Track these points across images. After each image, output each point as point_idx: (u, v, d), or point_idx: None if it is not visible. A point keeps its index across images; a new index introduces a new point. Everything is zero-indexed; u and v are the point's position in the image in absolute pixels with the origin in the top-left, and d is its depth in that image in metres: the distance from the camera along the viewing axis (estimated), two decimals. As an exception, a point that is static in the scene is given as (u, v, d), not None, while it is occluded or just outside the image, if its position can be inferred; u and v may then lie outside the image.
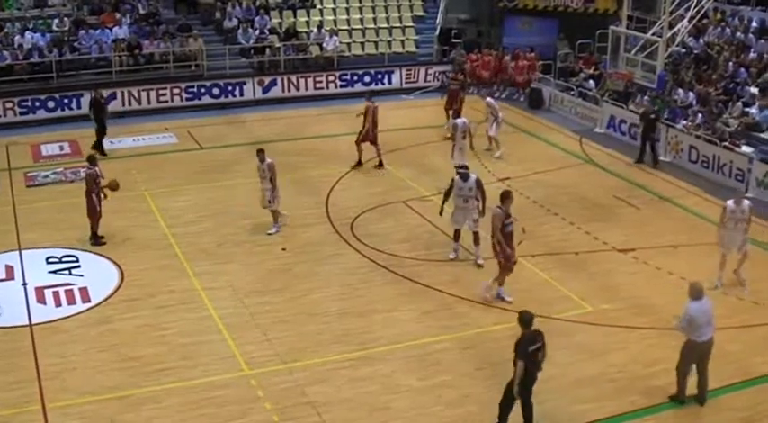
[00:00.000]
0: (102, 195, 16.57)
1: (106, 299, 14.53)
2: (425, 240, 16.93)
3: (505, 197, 14.04)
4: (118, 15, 28.60)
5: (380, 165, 21.12)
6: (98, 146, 21.99)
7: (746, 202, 15.34)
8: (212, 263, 15.92)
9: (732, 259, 15.23)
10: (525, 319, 10.50)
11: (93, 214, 16.58)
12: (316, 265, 15.86)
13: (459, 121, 20.70)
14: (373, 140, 21.00)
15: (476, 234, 15.77)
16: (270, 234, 16.99)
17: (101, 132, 22.24)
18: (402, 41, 30.92)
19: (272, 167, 16.76)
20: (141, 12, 29.16)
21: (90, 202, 16.49)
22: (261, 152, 16.92)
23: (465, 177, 15.67)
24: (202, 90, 27.26)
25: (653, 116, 21.78)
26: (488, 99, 23.24)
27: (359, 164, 21.11)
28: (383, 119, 21.40)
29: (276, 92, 28.05)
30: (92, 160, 17.01)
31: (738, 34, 25.52)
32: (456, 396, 11.76)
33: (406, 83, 29.37)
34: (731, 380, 12.04)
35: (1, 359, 12.66)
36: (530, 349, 10.29)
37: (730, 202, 15.14)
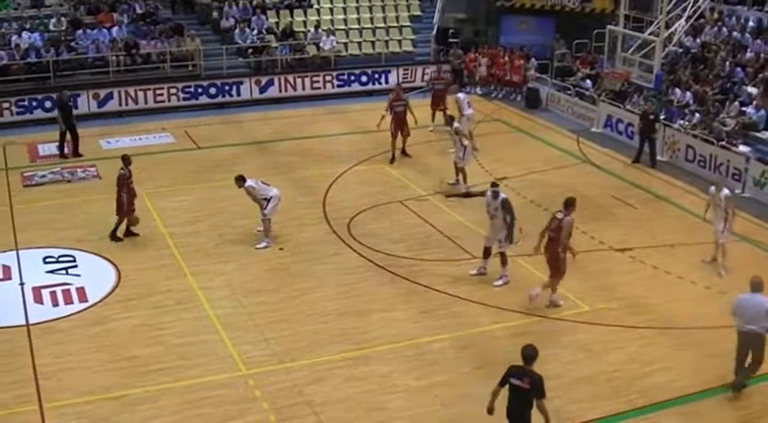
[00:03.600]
0: (132, 194, 16.57)
1: (103, 299, 14.50)
2: (422, 240, 16.92)
3: (569, 204, 13.88)
4: (115, 15, 28.58)
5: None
6: (75, 149, 21.90)
7: (725, 191, 15.31)
8: (209, 262, 15.90)
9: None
10: (523, 353, 9.71)
11: (120, 212, 16.56)
12: (313, 264, 15.85)
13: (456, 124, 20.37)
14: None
15: (501, 255, 14.88)
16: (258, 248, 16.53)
17: (73, 135, 21.98)
18: (399, 41, 30.92)
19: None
20: (138, 11, 29.15)
21: (119, 200, 16.47)
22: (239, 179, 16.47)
23: (495, 195, 14.89)
24: (199, 90, 27.21)
25: (652, 116, 21.78)
26: (459, 94, 22.97)
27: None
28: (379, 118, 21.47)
29: (273, 92, 28.01)
30: (126, 160, 16.77)
31: (735, 34, 25.56)
32: (453, 396, 11.74)
33: (403, 82, 29.21)
34: (729, 379, 12.02)
35: (-2, 359, 12.65)
36: (510, 381, 9.68)
37: (712, 188, 15.38)
